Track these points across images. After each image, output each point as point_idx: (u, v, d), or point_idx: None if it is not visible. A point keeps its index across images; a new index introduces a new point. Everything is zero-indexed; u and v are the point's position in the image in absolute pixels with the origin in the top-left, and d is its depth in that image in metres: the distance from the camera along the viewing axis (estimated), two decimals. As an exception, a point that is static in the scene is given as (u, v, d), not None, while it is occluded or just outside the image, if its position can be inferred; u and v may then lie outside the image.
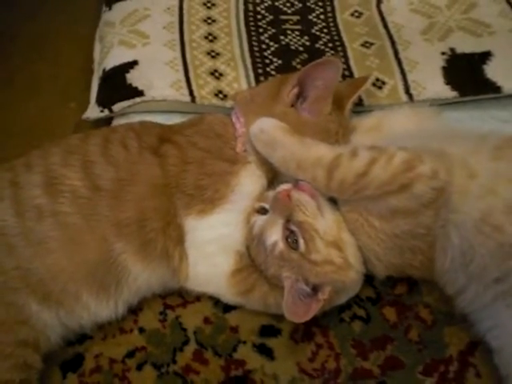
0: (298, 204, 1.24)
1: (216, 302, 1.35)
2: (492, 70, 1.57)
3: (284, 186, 1.28)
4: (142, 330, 1.34)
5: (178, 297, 1.37)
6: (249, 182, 1.33)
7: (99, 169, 1.28)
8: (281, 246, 1.24)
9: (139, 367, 1.29)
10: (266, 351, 1.31)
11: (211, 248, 1.30)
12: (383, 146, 1.22)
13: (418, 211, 1.18)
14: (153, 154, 1.31)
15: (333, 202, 1.29)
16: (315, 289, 1.22)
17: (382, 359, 1.29)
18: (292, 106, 1.35)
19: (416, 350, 1.30)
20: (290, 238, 1.24)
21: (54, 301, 1.22)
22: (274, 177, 1.35)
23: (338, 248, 1.24)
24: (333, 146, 1.27)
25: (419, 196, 1.16)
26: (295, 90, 1.34)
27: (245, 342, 1.32)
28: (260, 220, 1.29)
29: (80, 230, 1.24)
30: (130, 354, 1.31)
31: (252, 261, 1.31)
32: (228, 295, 1.32)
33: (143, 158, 1.31)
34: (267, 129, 1.28)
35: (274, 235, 1.25)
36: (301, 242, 1.22)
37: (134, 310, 1.34)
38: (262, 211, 1.30)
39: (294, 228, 1.24)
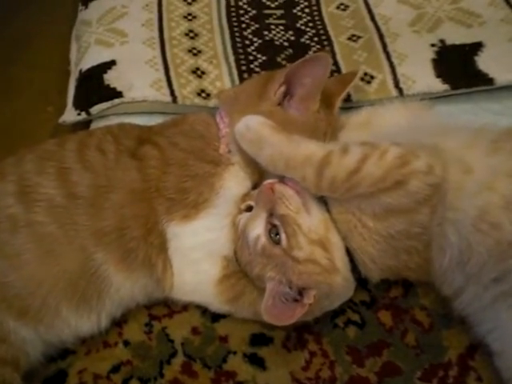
0: (281, 197, 1.22)
1: (204, 311, 1.32)
2: (484, 62, 1.55)
3: (269, 180, 1.26)
4: (126, 343, 1.30)
5: (164, 307, 1.33)
6: (233, 185, 1.29)
7: (75, 176, 1.24)
8: (263, 240, 1.21)
9: (125, 382, 1.25)
10: (257, 361, 1.27)
11: (196, 254, 1.27)
12: (375, 141, 1.20)
13: (414, 209, 1.15)
14: (131, 157, 1.27)
15: (323, 204, 1.26)
16: (301, 293, 1.19)
17: (378, 366, 1.26)
18: (279, 104, 1.32)
19: (413, 355, 1.27)
20: (273, 232, 1.21)
21: (32, 316, 1.18)
22: (259, 178, 1.31)
23: (323, 248, 1.20)
24: (323, 144, 1.24)
25: (414, 193, 1.13)
26: (282, 88, 1.30)
27: (235, 353, 1.28)
28: (245, 217, 1.27)
29: (57, 240, 1.20)
30: (115, 369, 1.26)
31: (239, 265, 1.28)
32: (216, 303, 1.28)
33: (121, 162, 1.27)
34: (254, 126, 1.24)
35: (257, 229, 1.22)
36: (283, 236, 1.20)
37: (119, 322, 1.31)
38: (249, 210, 1.28)
39: (276, 222, 1.21)
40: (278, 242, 1.20)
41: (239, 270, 1.27)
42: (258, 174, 1.30)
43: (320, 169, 1.16)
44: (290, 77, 1.29)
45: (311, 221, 1.22)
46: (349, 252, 1.23)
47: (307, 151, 1.19)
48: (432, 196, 1.13)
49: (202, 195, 1.25)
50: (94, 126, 1.55)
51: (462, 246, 1.14)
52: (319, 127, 1.33)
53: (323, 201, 1.25)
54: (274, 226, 1.21)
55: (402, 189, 1.12)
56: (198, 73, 1.59)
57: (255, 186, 1.32)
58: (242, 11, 1.75)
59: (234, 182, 1.29)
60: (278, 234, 1.20)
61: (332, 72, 1.56)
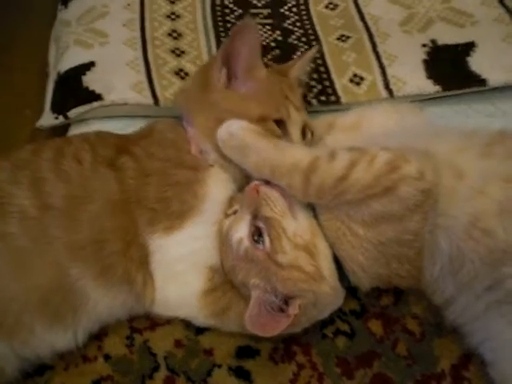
0: (266, 198, 1.20)
1: (188, 323, 1.28)
2: (476, 62, 1.54)
3: (255, 182, 1.24)
4: (107, 357, 1.26)
5: (146, 319, 1.30)
6: (217, 189, 1.27)
7: (50, 186, 1.20)
8: (246, 243, 1.19)
9: (105, 398, 1.23)
10: (243, 375, 1.25)
11: (180, 266, 1.24)
12: (364, 146, 1.18)
13: (404, 216, 1.13)
14: (109, 167, 1.24)
15: (310, 209, 1.24)
16: (287, 303, 1.16)
17: (368, 377, 1.24)
18: (227, 87, 1.31)
19: (405, 366, 1.25)
20: (256, 235, 1.19)
21: (5, 332, 1.14)
22: (242, 176, 1.30)
23: (309, 254, 1.18)
24: (309, 149, 1.23)
25: (405, 199, 1.11)
26: (223, 71, 1.29)
27: (220, 366, 1.25)
28: (229, 220, 1.24)
29: (30, 254, 1.16)
30: (96, 385, 1.24)
31: (224, 271, 1.25)
32: (201, 318, 1.25)
33: (98, 172, 1.23)
34: (236, 132, 1.22)
35: (240, 231, 1.21)
36: (266, 239, 1.18)
37: (98, 335, 1.27)
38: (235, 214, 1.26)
39: (260, 224, 1.19)
40: (261, 245, 1.18)
41: (225, 281, 1.25)
42: (239, 170, 1.28)
43: (307, 175, 1.14)
44: (225, 57, 1.29)
45: (297, 225, 1.20)
46: (337, 260, 1.21)
47: (294, 158, 1.17)
48: (423, 202, 1.12)
49: (185, 203, 1.23)
50: (72, 129, 1.53)
51: (453, 254, 1.13)
52: (275, 91, 1.32)
53: (311, 206, 1.23)
54: (258, 228, 1.19)
55: (391, 195, 1.11)
56: (181, 74, 1.56)
57: (241, 189, 1.31)
58: (227, 10, 1.73)
59: (217, 187, 1.27)
60: (261, 236, 1.18)
61: (321, 73, 1.55)
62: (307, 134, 1.35)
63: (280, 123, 1.29)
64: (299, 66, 1.42)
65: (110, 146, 1.29)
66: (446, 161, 1.16)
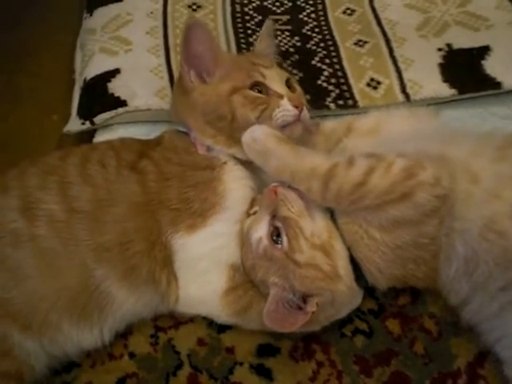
0: (283, 199, 1.22)
1: (210, 322, 1.31)
2: (491, 66, 1.53)
3: (274, 183, 1.26)
4: (132, 355, 1.29)
5: (170, 318, 1.32)
6: (235, 186, 1.29)
7: (76, 190, 1.24)
8: (265, 242, 1.21)
9: (131, 395, 1.25)
10: (264, 372, 1.27)
11: (203, 264, 1.26)
12: (381, 151, 1.19)
13: (421, 221, 1.14)
14: (131, 170, 1.27)
15: (327, 211, 1.25)
16: (305, 301, 1.18)
17: (386, 375, 1.25)
18: (204, 82, 1.33)
19: (422, 364, 1.26)
20: (274, 234, 1.21)
21: (35, 330, 1.18)
22: (256, 169, 1.32)
23: (325, 254, 1.20)
24: (328, 156, 1.23)
25: (421, 205, 1.12)
26: (192, 73, 1.32)
27: (241, 364, 1.27)
28: (250, 220, 1.27)
29: (58, 255, 1.19)
30: (121, 382, 1.26)
31: (244, 270, 1.27)
32: (223, 316, 1.28)
33: (121, 175, 1.26)
34: (259, 137, 1.24)
35: (259, 231, 1.23)
36: (284, 238, 1.20)
37: (124, 334, 1.30)
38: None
39: (279, 224, 1.21)
40: (279, 244, 1.20)
41: (246, 280, 1.26)
42: (250, 163, 1.30)
43: (325, 181, 1.16)
44: (188, 60, 1.31)
45: (314, 225, 1.22)
46: (354, 261, 1.22)
47: (312, 164, 1.18)
48: (439, 208, 1.13)
49: (206, 202, 1.25)
50: (98, 135, 1.55)
51: (468, 256, 1.13)
52: (241, 64, 1.35)
53: (329, 209, 1.24)
54: (277, 228, 1.21)
55: (408, 201, 1.12)
56: (202, 80, 1.58)
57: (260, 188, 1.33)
58: (247, 17, 1.74)
59: (234, 182, 1.29)
60: (279, 236, 1.20)
61: (338, 77, 1.56)
62: (294, 87, 1.37)
63: (260, 87, 1.31)
64: (260, 39, 1.46)
65: (133, 150, 1.32)
66: (461, 165, 1.17)
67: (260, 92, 1.30)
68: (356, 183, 1.13)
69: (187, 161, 1.29)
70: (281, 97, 1.29)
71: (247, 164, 1.31)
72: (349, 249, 1.22)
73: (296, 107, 1.28)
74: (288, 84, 1.35)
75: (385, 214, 1.15)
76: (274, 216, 1.22)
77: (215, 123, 1.30)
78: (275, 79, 1.33)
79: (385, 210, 1.14)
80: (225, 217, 1.26)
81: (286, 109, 1.28)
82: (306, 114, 1.32)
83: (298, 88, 1.38)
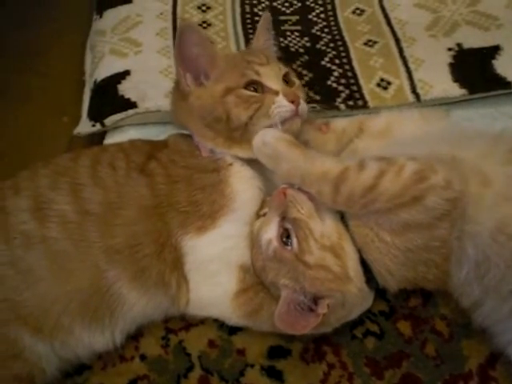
0: (293, 200, 1.22)
1: (221, 323, 1.31)
2: (501, 65, 1.53)
3: (283, 185, 1.25)
4: (143, 358, 1.29)
5: (181, 320, 1.32)
6: (242, 187, 1.28)
7: (88, 192, 1.24)
8: (275, 243, 1.21)
9: (142, 397, 1.25)
10: (275, 374, 1.26)
11: (213, 266, 1.26)
12: (392, 154, 1.19)
13: (432, 224, 1.14)
14: (140, 172, 1.28)
15: (337, 213, 1.25)
16: (316, 303, 1.18)
17: (397, 377, 1.25)
18: (201, 84, 1.33)
19: (433, 366, 1.25)
20: (284, 236, 1.21)
21: (47, 333, 1.18)
22: (263, 168, 1.31)
23: (335, 255, 1.20)
24: (339, 159, 1.23)
25: (432, 208, 1.12)
26: (188, 76, 1.31)
27: (252, 366, 1.27)
28: (259, 221, 1.27)
29: (70, 257, 1.20)
30: (132, 384, 1.27)
31: (255, 272, 1.27)
32: (234, 318, 1.27)
33: (130, 178, 1.27)
34: (270, 141, 1.25)
35: (269, 233, 1.23)
36: (294, 239, 1.20)
37: (135, 336, 1.30)
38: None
39: (288, 226, 1.21)
40: (289, 246, 1.20)
41: (257, 282, 1.26)
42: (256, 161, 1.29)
43: (336, 185, 1.16)
44: (183, 64, 1.31)
45: (323, 227, 1.22)
46: (365, 262, 1.22)
47: (323, 167, 1.19)
48: (451, 211, 1.12)
49: (215, 203, 1.25)
50: (109, 136, 1.56)
51: (479, 259, 1.13)
52: (236, 63, 1.34)
53: (339, 211, 1.24)
54: (286, 229, 1.21)
55: (419, 205, 1.11)
56: (212, 81, 1.58)
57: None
58: (257, 18, 1.74)
59: (241, 183, 1.28)
60: (289, 237, 1.20)
61: (348, 78, 1.56)
62: (293, 81, 1.36)
63: (255, 85, 1.30)
64: (257, 34, 1.45)
65: (142, 152, 1.32)
66: (472, 167, 1.16)
67: (256, 90, 1.29)
68: (367, 187, 1.13)
69: (193, 164, 1.29)
70: (276, 93, 1.29)
71: (253, 163, 1.30)
72: (359, 251, 1.22)
73: (292, 102, 1.28)
74: (286, 78, 1.35)
75: (396, 218, 1.14)
76: (283, 218, 1.22)
77: (213, 125, 1.29)
78: (270, 76, 1.31)
79: (396, 213, 1.14)
80: (234, 218, 1.26)
81: (281, 105, 1.27)
82: (303, 107, 1.31)
83: (297, 82, 1.37)
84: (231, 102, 1.27)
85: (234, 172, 1.29)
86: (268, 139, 1.24)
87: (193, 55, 1.30)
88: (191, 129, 1.33)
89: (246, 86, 1.29)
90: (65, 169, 1.29)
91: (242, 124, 1.26)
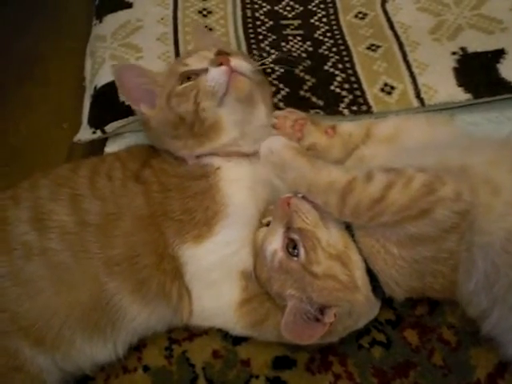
0: (297, 210, 1.21)
1: (225, 334, 1.30)
2: (506, 69, 1.51)
3: (287, 194, 1.25)
4: (146, 369, 1.28)
5: (184, 330, 1.31)
6: (232, 190, 1.27)
7: (87, 203, 1.24)
8: (280, 255, 1.20)
9: (145, 409, 1.24)
10: None
11: (214, 275, 1.25)
12: (400, 163, 1.18)
13: (441, 237, 1.13)
14: (136, 181, 1.28)
15: (341, 221, 1.23)
16: (323, 312, 1.17)
17: None
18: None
19: (441, 376, 1.25)
20: (290, 247, 1.20)
21: (48, 345, 1.17)
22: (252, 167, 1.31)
23: (343, 264, 1.19)
24: (346, 169, 1.22)
25: (440, 221, 1.11)
26: (143, 106, 1.34)
27: (257, 377, 1.26)
28: (263, 231, 1.26)
29: (70, 269, 1.20)
30: (135, 396, 1.25)
31: (259, 283, 1.26)
32: (238, 328, 1.27)
33: (126, 188, 1.27)
34: (276, 149, 1.24)
35: (274, 244, 1.22)
36: (301, 250, 1.19)
37: (138, 347, 1.30)
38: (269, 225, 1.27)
39: (294, 236, 1.20)
40: (296, 257, 1.19)
41: (261, 292, 1.25)
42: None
43: (343, 196, 1.15)
44: (132, 99, 1.35)
45: (329, 236, 1.21)
46: (371, 272, 1.21)
47: (330, 177, 1.18)
48: (460, 223, 1.11)
49: (208, 210, 1.24)
50: (109, 143, 1.54)
51: (488, 270, 1.12)
52: (171, 70, 1.35)
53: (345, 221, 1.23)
54: (292, 240, 1.20)
55: (427, 218, 1.10)
56: (214, 87, 1.57)
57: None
58: (258, 22, 1.73)
59: (232, 187, 1.27)
60: (295, 248, 1.19)
61: (352, 83, 1.55)
62: (228, 52, 1.34)
63: (190, 76, 1.30)
64: (193, 38, 1.54)
65: (137, 159, 1.33)
66: (481, 176, 1.15)
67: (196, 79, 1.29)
68: (374, 198, 1.12)
69: (182, 172, 1.30)
70: (206, 71, 1.28)
71: (248, 163, 1.30)
72: (365, 260, 1.21)
73: (221, 64, 1.26)
74: (221, 54, 1.33)
75: (403, 231, 1.13)
76: (288, 228, 1.21)
77: (177, 134, 1.30)
78: (198, 59, 1.32)
79: (403, 226, 1.13)
80: (230, 223, 1.25)
81: (213, 76, 1.26)
82: (239, 63, 1.29)
83: (234, 50, 1.38)
84: (174, 102, 1.29)
85: (222, 176, 1.28)
86: (275, 147, 1.24)
87: (136, 86, 1.33)
88: (168, 148, 1.33)
89: (182, 83, 1.29)
90: (64, 179, 1.29)
91: (193, 115, 1.26)
